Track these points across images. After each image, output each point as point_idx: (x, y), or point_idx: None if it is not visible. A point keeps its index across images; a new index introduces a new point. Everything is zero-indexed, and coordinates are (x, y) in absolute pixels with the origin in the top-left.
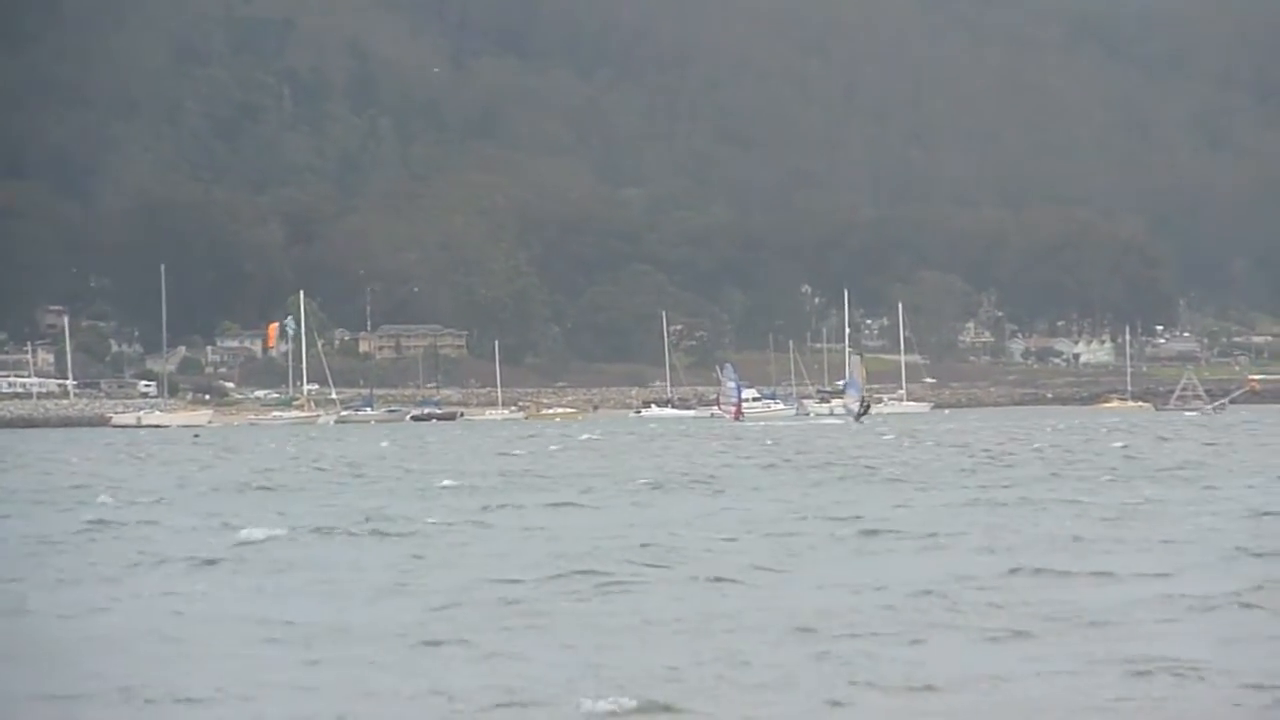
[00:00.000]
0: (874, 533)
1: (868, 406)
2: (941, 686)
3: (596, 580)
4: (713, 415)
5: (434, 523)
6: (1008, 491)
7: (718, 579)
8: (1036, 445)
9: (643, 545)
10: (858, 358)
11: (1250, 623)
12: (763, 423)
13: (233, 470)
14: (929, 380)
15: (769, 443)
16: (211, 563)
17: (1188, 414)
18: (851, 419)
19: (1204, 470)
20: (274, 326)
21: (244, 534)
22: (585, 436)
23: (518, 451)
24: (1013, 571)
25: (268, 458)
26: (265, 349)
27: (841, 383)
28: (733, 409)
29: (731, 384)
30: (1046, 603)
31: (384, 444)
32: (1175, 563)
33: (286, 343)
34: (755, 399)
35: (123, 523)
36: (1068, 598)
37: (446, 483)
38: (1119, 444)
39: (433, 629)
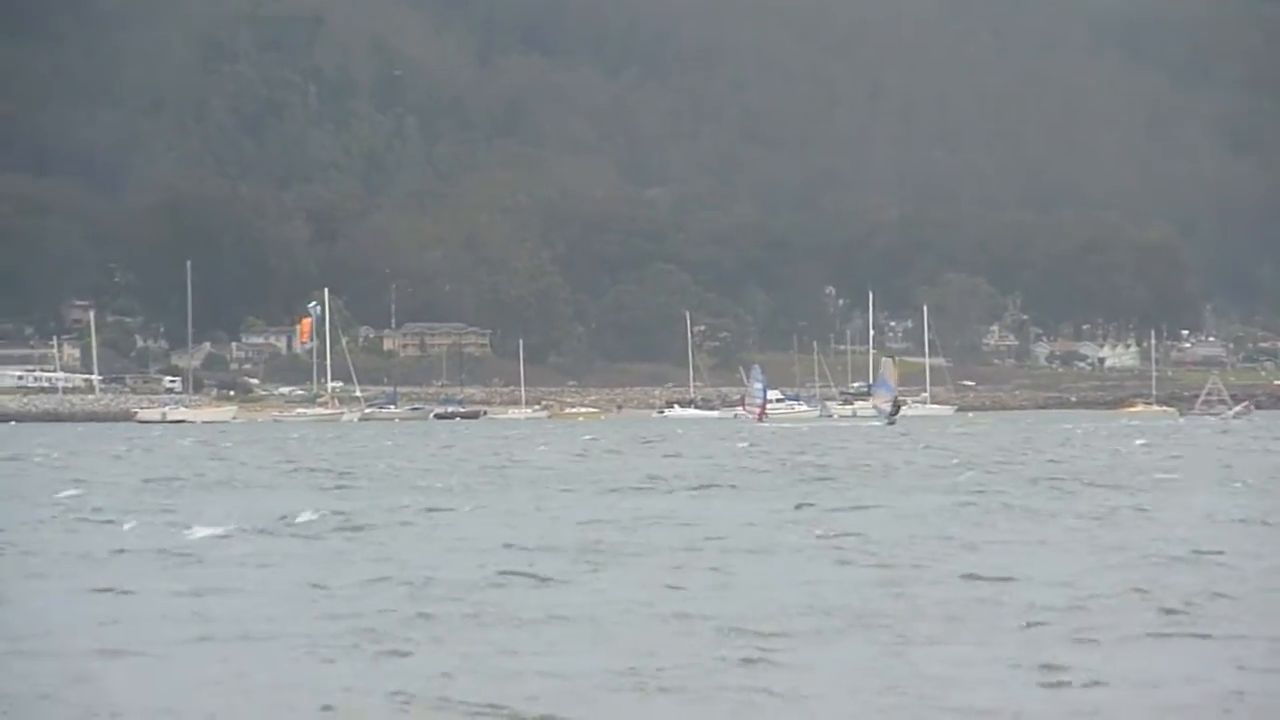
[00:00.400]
0: (843, 535)
1: (899, 408)
2: (863, 690)
3: (528, 580)
4: (736, 416)
5: (395, 521)
6: (988, 497)
7: (665, 583)
8: (1031, 451)
9: (589, 545)
10: (890, 359)
11: (1175, 627)
12: (787, 424)
13: (225, 466)
14: (967, 382)
15: (772, 440)
16: (153, 559)
17: (1209, 419)
18: (884, 420)
19: (1185, 476)
20: (307, 322)
21: (192, 532)
22: (587, 437)
23: (516, 451)
24: (968, 577)
25: (265, 454)
26: (292, 346)
27: (861, 384)
28: (757, 410)
29: (759, 385)
30: (983, 604)
31: (387, 442)
32: (1112, 567)
33: (313, 338)
34: (779, 400)
35: (82, 517)
36: (1005, 599)
37: (437, 484)
38: (1115, 449)
39: (335, 628)
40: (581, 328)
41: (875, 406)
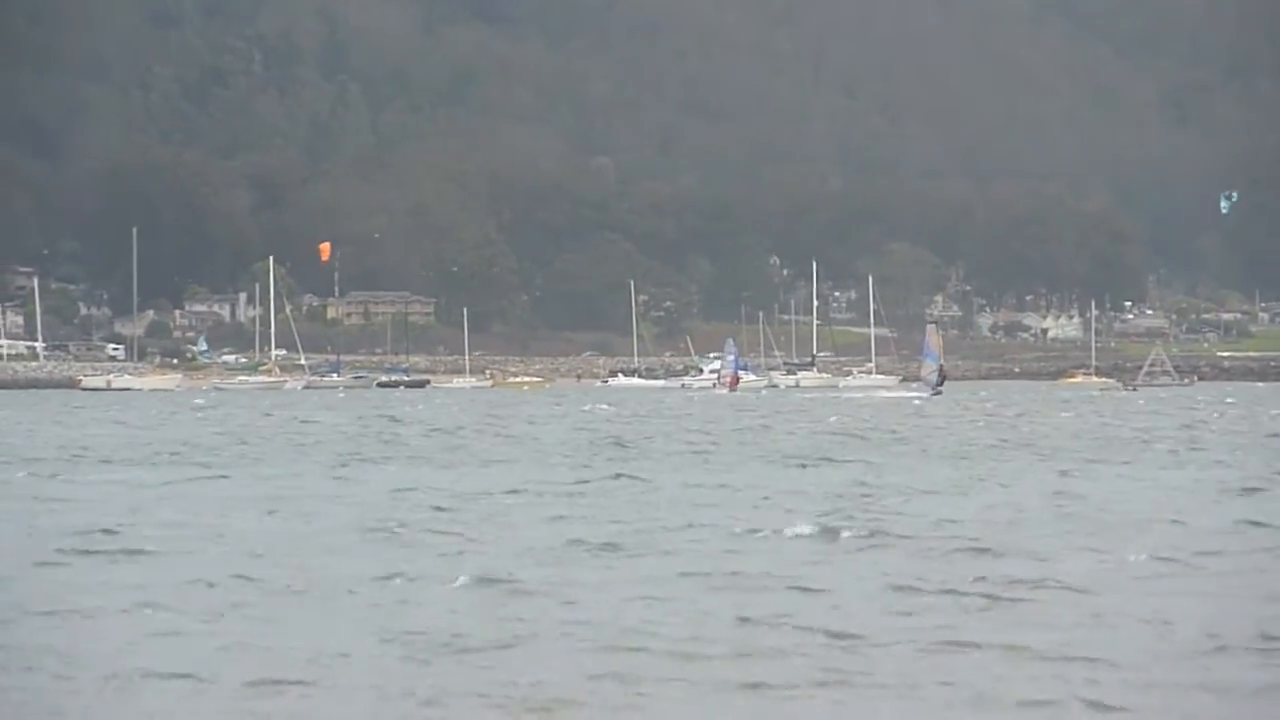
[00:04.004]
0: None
1: (944, 377)
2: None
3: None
4: (683, 386)
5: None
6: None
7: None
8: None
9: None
10: (933, 326)
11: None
12: (761, 391)
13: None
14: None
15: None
16: None
17: (1141, 390)
18: (929, 390)
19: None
20: (327, 245)
21: None
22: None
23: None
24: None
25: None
26: (235, 314)
27: (808, 358)
28: (729, 379)
29: (731, 356)
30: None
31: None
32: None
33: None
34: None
35: None
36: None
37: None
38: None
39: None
40: (526, 296)
41: (922, 377)
